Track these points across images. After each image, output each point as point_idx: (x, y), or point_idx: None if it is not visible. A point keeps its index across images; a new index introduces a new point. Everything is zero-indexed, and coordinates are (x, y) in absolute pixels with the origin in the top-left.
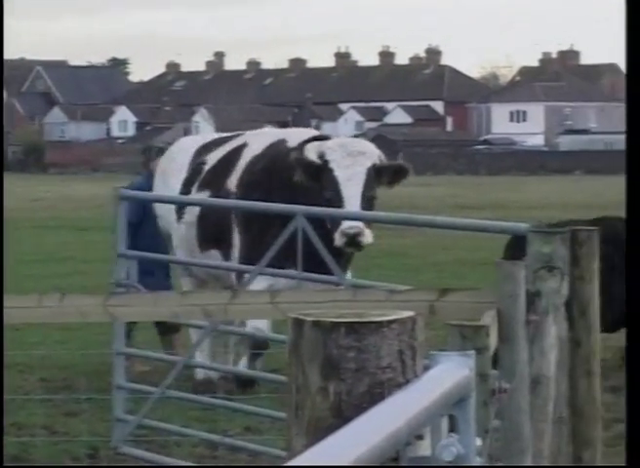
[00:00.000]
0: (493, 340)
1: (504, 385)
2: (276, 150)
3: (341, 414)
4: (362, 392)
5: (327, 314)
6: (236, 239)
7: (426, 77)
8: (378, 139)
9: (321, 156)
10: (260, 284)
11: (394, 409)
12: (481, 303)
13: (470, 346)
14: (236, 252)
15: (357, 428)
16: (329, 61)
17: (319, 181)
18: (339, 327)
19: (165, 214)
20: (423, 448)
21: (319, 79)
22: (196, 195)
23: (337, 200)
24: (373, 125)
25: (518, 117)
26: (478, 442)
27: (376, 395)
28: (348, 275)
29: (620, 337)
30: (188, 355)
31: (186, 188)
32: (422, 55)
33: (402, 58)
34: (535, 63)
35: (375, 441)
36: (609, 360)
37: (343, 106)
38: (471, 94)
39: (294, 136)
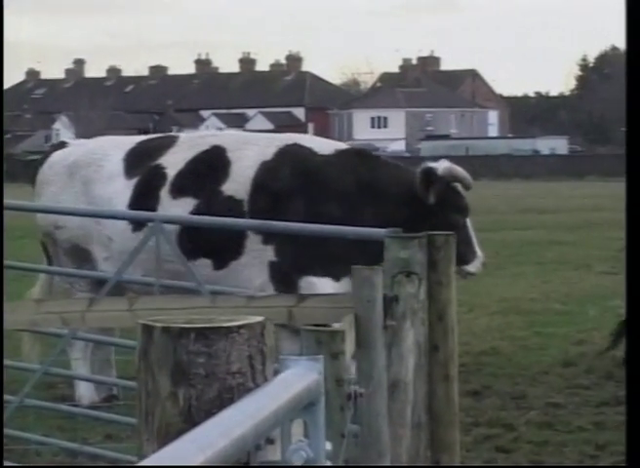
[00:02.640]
0: (349, 345)
1: (360, 390)
2: (303, 156)
3: (192, 420)
4: (212, 397)
5: (176, 320)
6: (254, 245)
7: (287, 83)
8: None
9: (453, 179)
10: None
11: (241, 413)
12: (339, 308)
13: (326, 351)
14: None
15: (203, 432)
16: (189, 68)
17: (441, 202)
18: (188, 332)
19: (87, 223)
20: (275, 453)
21: (180, 86)
22: (173, 201)
23: (465, 227)
24: (234, 132)
25: (379, 123)
26: (328, 446)
27: (226, 400)
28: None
29: (479, 343)
30: (47, 363)
31: (144, 194)
32: (283, 61)
33: (263, 65)
34: (395, 70)
35: (220, 445)
36: (468, 364)
37: (205, 113)
38: (332, 100)
39: (303, 140)
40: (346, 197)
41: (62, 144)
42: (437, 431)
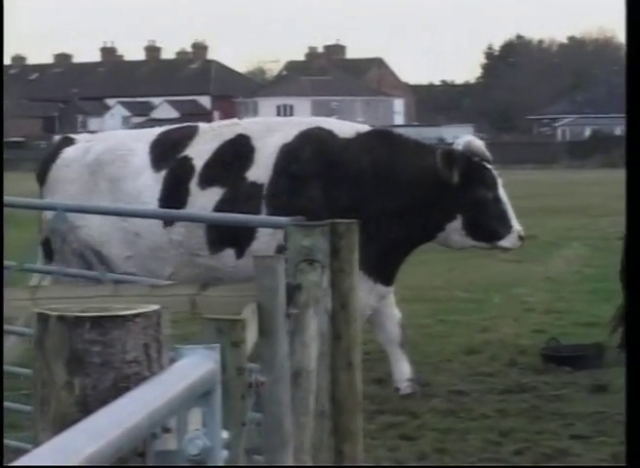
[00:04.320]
0: (251, 334)
1: (261, 378)
2: (324, 139)
3: (87, 409)
4: (108, 386)
5: (71, 308)
6: (264, 230)
7: (193, 72)
8: None
9: (473, 154)
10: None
11: (134, 402)
12: (241, 297)
13: (227, 340)
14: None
15: (95, 421)
16: (95, 56)
17: (467, 180)
18: (83, 321)
19: (110, 221)
20: (173, 442)
21: (85, 74)
22: (201, 192)
23: (496, 201)
24: (139, 120)
25: (285, 111)
26: (225, 435)
27: (121, 389)
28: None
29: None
30: None
31: (174, 187)
32: (189, 49)
33: (168, 53)
34: (301, 58)
35: (112, 434)
36: (373, 352)
37: (110, 101)
38: (238, 88)
39: (325, 123)
40: (368, 179)
41: (69, 139)
42: (340, 419)
